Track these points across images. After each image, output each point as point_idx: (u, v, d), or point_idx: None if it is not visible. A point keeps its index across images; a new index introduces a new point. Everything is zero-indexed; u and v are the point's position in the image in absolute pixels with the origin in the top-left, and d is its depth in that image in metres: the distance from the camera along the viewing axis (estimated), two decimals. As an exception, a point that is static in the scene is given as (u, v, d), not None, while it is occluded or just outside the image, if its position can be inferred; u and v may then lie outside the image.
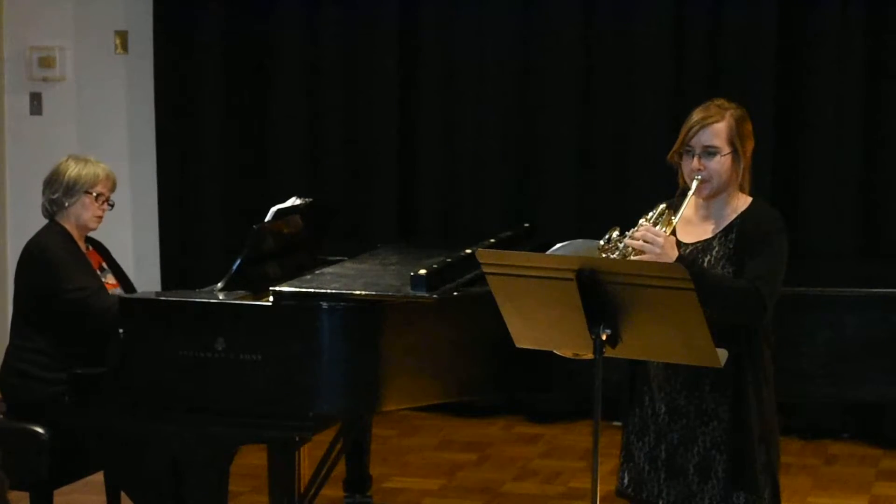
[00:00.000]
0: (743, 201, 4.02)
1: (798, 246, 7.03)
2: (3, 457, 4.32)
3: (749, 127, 4.02)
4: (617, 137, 7.27)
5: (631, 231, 3.89)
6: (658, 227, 3.87)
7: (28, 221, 7.59)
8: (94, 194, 5.04)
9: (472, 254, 4.30)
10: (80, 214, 5.04)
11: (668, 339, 3.69)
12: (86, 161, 5.10)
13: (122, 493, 5.13)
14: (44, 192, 5.08)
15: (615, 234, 3.90)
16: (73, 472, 4.99)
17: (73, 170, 5.04)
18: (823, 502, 6.06)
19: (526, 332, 3.87)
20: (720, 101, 4.03)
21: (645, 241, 3.80)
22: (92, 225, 5.09)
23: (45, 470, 4.84)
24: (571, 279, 3.65)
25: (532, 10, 7.32)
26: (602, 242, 3.88)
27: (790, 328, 4.54)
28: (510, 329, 3.87)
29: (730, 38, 7.07)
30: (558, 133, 7.32)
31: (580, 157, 7.32)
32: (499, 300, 3.83)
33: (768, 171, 6.94)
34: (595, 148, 7.31)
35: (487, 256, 3.81)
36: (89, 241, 5.19)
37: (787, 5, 6.98)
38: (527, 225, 5.75)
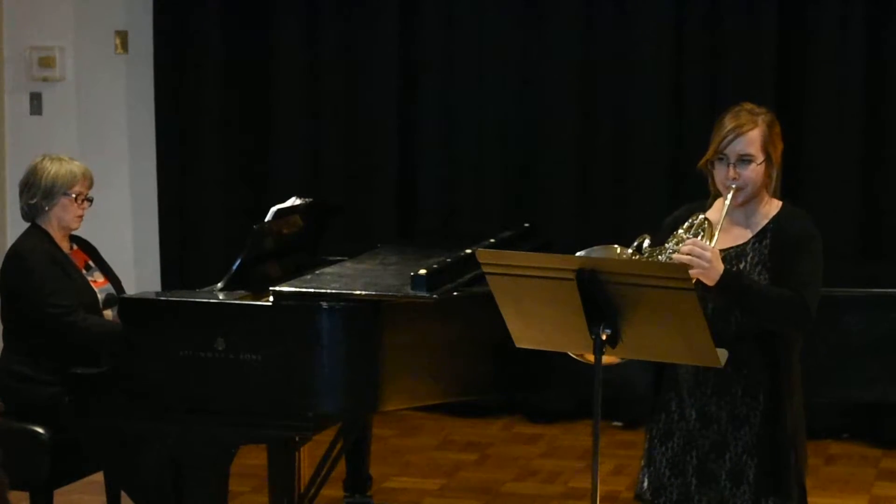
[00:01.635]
0: (774, 206, 4.01)
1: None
2: (3, 457, 4.32)
3: (778, 131, 4.01)
4: (617, 138, 7.27)
5: (671, 241, 3.86)
6: (701, 240, 3.85)
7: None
8: (74, 195, 5.00)
9: (472, 254, 4.29)
10: (62, 216, 5.01)
11: (669, 339, 3.69)
12: (60, 161, 5.04)
13: (122, 493, 5.13)
14: (21, 196, 5.04)
15: (646, 242, 3.87)
16: (73, 472, 4.99)
17: (49, 172, 4.99)
18: (823, 502, 6.05)
19: (526, 332, 3.86)
20: (750, 107, 4.00)
21: (693, 256, 3.76)
22: (74, 225, 5.06)
23: (45, 470, 4.84)
24: (571, 279, 3.65)
25: (532, 10, 7.32)
26: (630, 251, 3.85)
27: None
28: (510, 329, 3.87)
29: (730, 37, 7.07)
30: (558, 133, 7.31)
31: (580, 158, 7.32)
32: (499, 300, 3.83)
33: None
34: (595, 148, 7.31)
35: (487, 256, 3.81)
36: (74, 239, 5.16)
37: (788, 5, 6.98)
38: (527, 225, 5.74)
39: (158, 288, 7.61)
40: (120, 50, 7.86)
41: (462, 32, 7.43)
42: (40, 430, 4.83)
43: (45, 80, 7.90)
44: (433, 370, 4.60)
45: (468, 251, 4.76)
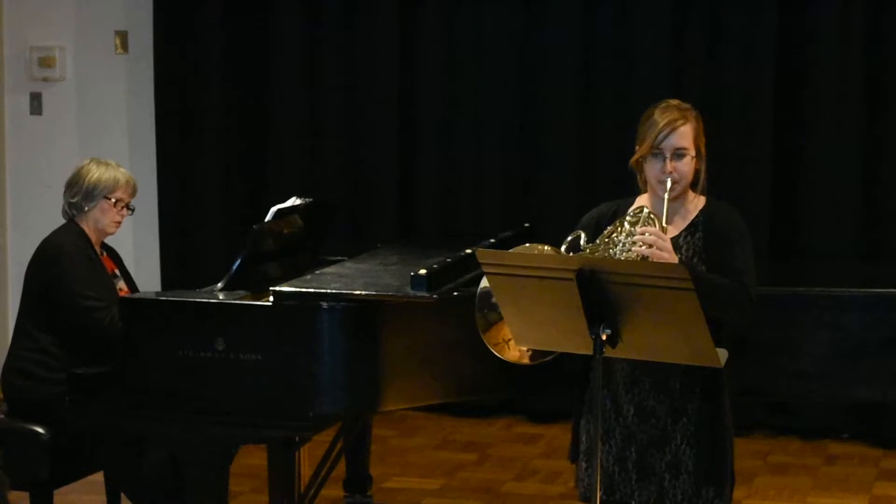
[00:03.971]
0: (700, 200, 4.10)
1: (798, 246, 7.09)
2: (3, 457, 4.32)
3: (702, 126, 4.08)
4: (617, 137, 7.25)
5: (620, 234, 3.91)
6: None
7: (28, 221, 7.62)
8: (113, 200, 5.02)
9: (472, 254, 4.29)
10: (99, 219, 5.03)
11: (669, 339, 3.69)
12: (107, 165, 5.07)
13: (123, 493, 5.14)
14: (64, 195, 5.07)
15: (582, 240, 3.92)
16: (73, 472, 4.99)
17: (93, 174, 5.02)
18: (823, 502, 6.06)
19: (526, 332, 3.86)
20: (676, 102, 4.09)
21: (656, 247, 3.83)
22: (110, 230, 5.08)
23: (45, 470, 4.84)
24: (571, 279, 3.65)
25: (532, 9, 7.32)
26: (563, 248, 3.89)
27: (790, 328, 4.54)
28: (510, 329, 3.87)
29: (730, 37, 7.07)
30: (558, 133, 7.32)
31: (580, 158, 7.32)
32: (499, 300, 3.83)
33: (768, 171, 6.95)
34: (595, 148, 7.31)
35: (487, 256, 3.81)
36: (104, 247, 5.17)
37: (788, 4, 6.98)
38: (527, 225, 5.74)
39: (158, 288, 7.61)
40: (120, 50, 7.86)
41: (462, 32, 7.43)
42: (40, 430, 4.82)
43: (45, 80, 7.90)
44: (433, 370, 4.59)
45: (468, 251, 4.76)
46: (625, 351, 3.77)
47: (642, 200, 4.08)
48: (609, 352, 3.74)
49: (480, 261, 3.80)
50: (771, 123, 6.95)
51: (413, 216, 7.56)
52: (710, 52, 7.12)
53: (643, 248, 3.83)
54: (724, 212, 4.07)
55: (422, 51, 7.50)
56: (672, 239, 3.99)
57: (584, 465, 4.14)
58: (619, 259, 3.84)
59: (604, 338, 3.70)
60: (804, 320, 4.61)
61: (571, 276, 3.65)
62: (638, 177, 4.10)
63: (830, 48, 6.95)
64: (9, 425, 4.89)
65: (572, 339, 3.77)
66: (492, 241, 5.26)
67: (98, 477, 5.16)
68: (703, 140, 4.05)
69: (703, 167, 4.05)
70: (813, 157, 7.02)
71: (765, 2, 6.98)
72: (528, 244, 3.95)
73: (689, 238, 4.02)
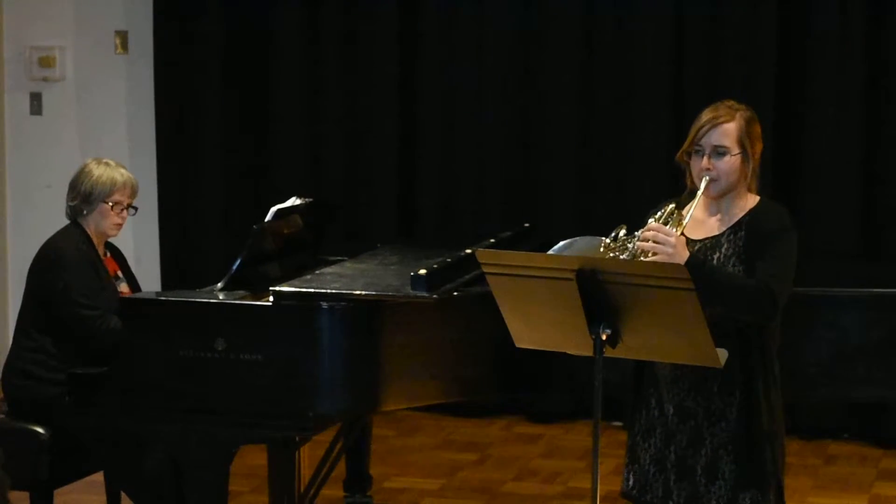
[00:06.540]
0: (751, 200, 4.04)
1: (798, 246, 7.07)
2: (3, 457, 4.32)
3: (758, 129, 4.03)
4: (617, 137, 7.27)
5: (641, 231, 3.88)
6: (668, 227, 3.87)
7: (28, 221, 7.62)
8: (111, 204, 5.00)
9: (472, 254, 4.30)
10: (99, 222, 5.01)
11: (669, 339, 3.69)
12: (107, 166, 5.04)
13: (122, 493, 5.14)
14: (66, 196, 5.06)
15: (622, 232, 3.89)
16: (73, 472, 4.99)
17: (91, 178, 4.98)
18: (823, 502, 6.06)
19: (526, 332, 3.87)
20: (730, 103, 4.04)
21: (656, 242, 3.79)
22: (111, 232, 5.06)
23: (45, 470, 4.84)
24: (571, 279, 3.65)
25: (532, 9, 7.32)
26: (608, 240, 3.87)
27: (790, 328, 4.54)
28: (510, 329, 3.87)
29: (730, 37, 7.08)
30: (558, 133, 7.32)
31: (580, 158, 7.32)
32: (499, 300, 3.83)
33: (768, 171, 6.92)
34: (595, 148, 7.31)
35: (487, 256, 3.81)
36: (109, 246, 5.16)
37: (788, 4, 6.99)
38: (527, 225, 5.75)
39: (158, 288, 7.61)
40: (120, 50, 7.86)
41: (462, 32, 7.43)
42: (40, 430, 4.83)
43: (45, 80, 7.91)
44: (433, 370, 4.60)
45: (468, 251, 4.76)
46: (625, 351, 3.77)
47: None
48: (609, 352, 3.74)
49: (480, 261, 3.80)
50: (771, 123, 6.95)
51: (413, 216, 7.56)
52: (710, 51, 7.12)
53: (648, 244, 3.80)
54: (770, 213, 4.00)
55: (422, 50, 7.50)
56: (715, 237, 3.97)
57: (627, 461, 4.13)
58: (619, 259, 3.83)
59: (604, 338, 3.70)
60: (804, 320, 4.62)
61: (571, 276, 3.65)
62: (686, 173, 4.05)
63: (831, 48, 6.95)
64: (9, 425, 4.89)
65: (572, 339, 3.77)
66: (492, 241, 5.26)
67: (98, 477, 5.17)
68: (754, 141, 3.98)
69: (751, 168, 3.99)
70: (813, 157, 7.02)
71: (765, 2, 6.98)
72: (594, 237, 3.89)
73: (731, 237, 3.97)
